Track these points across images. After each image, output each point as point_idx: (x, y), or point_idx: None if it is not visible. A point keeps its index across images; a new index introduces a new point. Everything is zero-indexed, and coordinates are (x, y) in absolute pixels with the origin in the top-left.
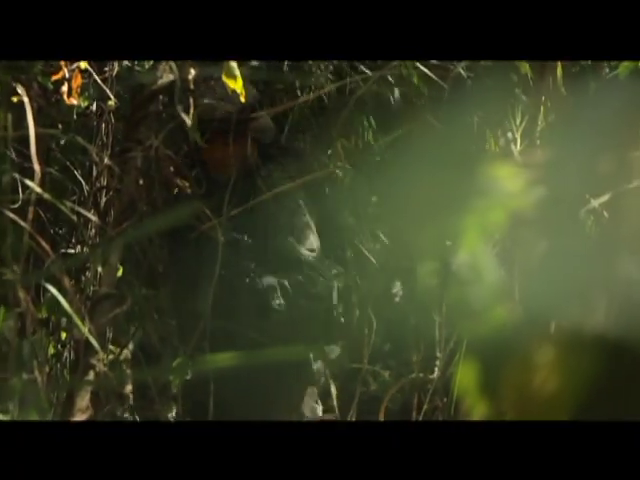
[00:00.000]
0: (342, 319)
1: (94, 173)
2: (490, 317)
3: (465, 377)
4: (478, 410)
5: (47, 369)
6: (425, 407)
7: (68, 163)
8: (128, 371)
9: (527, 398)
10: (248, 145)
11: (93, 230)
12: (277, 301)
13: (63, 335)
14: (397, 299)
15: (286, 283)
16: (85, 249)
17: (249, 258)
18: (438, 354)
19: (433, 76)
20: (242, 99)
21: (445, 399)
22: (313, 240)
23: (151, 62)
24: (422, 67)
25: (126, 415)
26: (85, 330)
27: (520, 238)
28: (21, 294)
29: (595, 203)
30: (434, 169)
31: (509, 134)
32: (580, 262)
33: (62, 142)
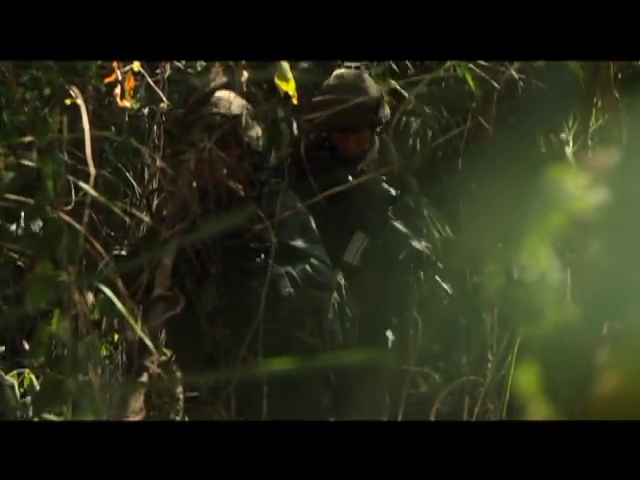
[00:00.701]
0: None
1: (146, 175)
2: (551, 319)
3: (524, 379)
4: (537, 412)
5: (100, 371)
6: (476, 410)
7: (120, 165)
8: (179, 374)
9: (589, 400)
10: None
11: (145, 232)
12: (287, 289)
13: (116, 337)
14: (446, 301)
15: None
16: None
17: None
18: (490, 357)
19: (482, 75)
20: (295, 101)
21: (498, 401)
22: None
23: (203, 64)
24: (475, 68)
25: (177, 417)
26: (139, 331)
27: (581, 240)
28: (76, 296)
29: None
30: (495, 170)
31: (562, 135)
32: None
33: (114, 144)
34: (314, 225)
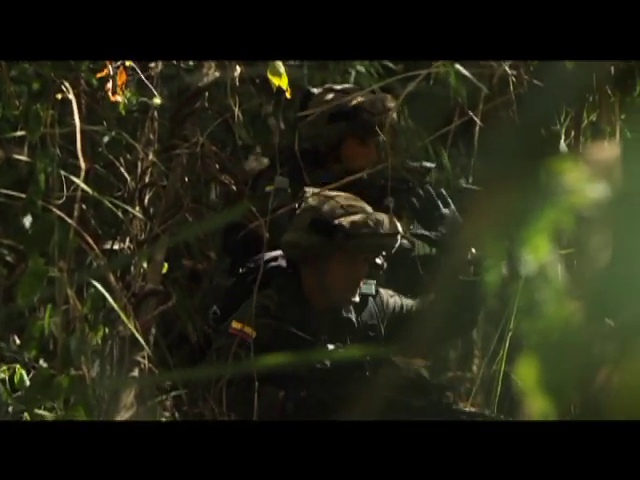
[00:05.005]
0: None
1: (139, 170)
2: (553, 315)
3: (522, 374)
4: (535, 408)
5: (92, 366)
6: (465, 405)
7: (112, 158)
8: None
9: (591, 397)
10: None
11: (138, 227)
12: None
13: (107, 332)
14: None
15: None
16: (130, 246)
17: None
18: (476, 352)
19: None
20: (288, 95)
21: (488, 397)
22: None
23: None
24: (461, 68)
25: (167, 413)
26: (131, 326)
27: (582, 234)
28: (68, 291)
29: None
30: (494, 165)
31: (554, 128)
32: None
33: (106, 139)
34: None
